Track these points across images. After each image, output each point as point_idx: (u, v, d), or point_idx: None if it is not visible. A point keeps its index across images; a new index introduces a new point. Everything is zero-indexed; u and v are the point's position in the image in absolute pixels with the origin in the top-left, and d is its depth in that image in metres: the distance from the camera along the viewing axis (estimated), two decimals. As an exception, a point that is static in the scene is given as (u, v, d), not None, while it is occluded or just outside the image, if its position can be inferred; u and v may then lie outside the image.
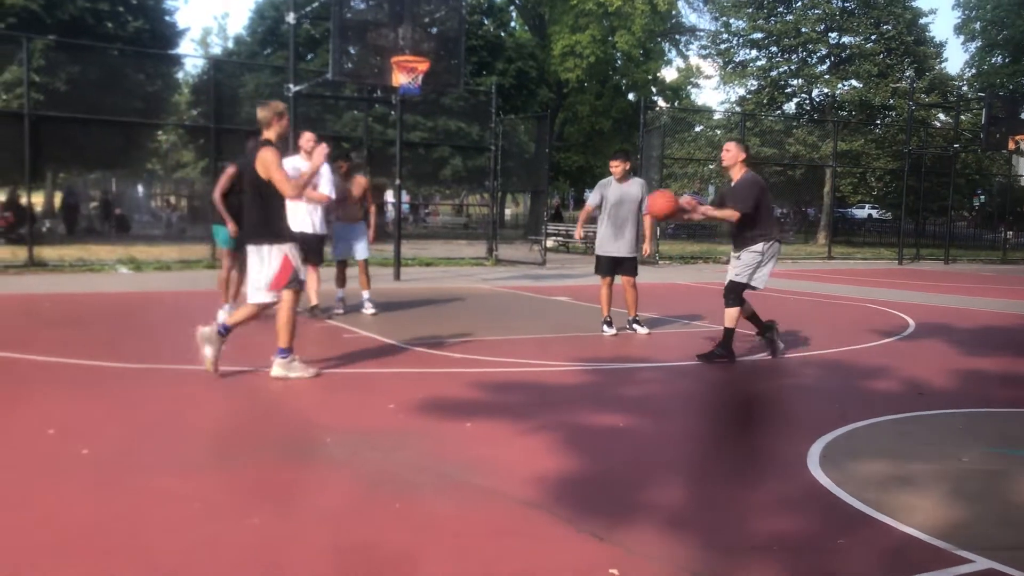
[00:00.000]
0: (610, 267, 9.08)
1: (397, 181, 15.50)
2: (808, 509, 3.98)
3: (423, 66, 11.72)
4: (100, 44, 19.10)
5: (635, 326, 9.17)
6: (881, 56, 34.66)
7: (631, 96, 41.14)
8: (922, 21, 36.35)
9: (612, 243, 9.01)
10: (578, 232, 10.65)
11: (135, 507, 3.76)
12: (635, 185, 9.02)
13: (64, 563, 3.17)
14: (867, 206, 45.63)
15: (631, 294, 9.06)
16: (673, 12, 38.90)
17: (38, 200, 31.91)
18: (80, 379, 6.32)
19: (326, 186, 9.05)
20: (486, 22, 33.76)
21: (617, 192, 8.97)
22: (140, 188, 46.03)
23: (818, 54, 36.14)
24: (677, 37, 44.67)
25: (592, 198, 9.28)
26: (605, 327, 9.07)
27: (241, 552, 3.31)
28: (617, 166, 9.01)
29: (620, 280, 9.09)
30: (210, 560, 3.22)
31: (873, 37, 34.93)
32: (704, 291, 14.59)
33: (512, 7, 40.52)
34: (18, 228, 20.10)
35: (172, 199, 43.02)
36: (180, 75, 29.59)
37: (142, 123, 21.71)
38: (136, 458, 4.45)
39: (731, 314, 7.67)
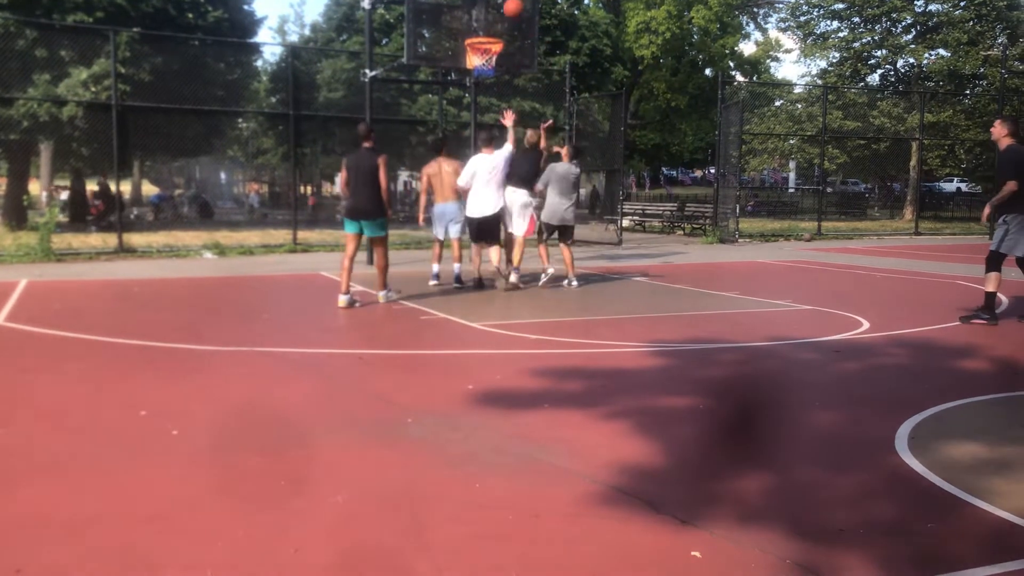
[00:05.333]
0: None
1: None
2: (896, 493, 3.87)
3: (497, 47, 11.69)
4: (182, 35, 19.52)
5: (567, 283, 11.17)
6: (971, 23, 33.26)
7: (708, 71, 40.43)
8: (1015, -15, 34.75)
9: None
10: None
11: (223, 485, 3.87)
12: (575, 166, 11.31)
13: (158, 537, 3.28)
14: (955, 179, 44.06)
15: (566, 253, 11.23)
16: (751, -16, 38.07)
17: (126, 188, 32.97)
18: (169, 361, 6.52)
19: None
20: (559, 1, 33.48)
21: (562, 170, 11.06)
22: (223, 175, 47.18)
23: (903, 23, 34.85)
24: (755, 10, 43.73)
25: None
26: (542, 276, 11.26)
27: (326, 529, 3.38)
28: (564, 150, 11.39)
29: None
30: (297, 536, 3.29)
31: (962, 3, 33.56)
32: (785, 269, 14.30)
33: (585, -16, 40.08)
34: (108, 216, 20.81)
35: (256, 185, 43.92)
36: (259, 63, 30.04)
37: (223, 111, 22.16)
38: (223, 438, 4.58)
39: (989, 279, 8.45)
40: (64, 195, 29.47)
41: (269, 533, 3.34)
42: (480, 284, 10.64)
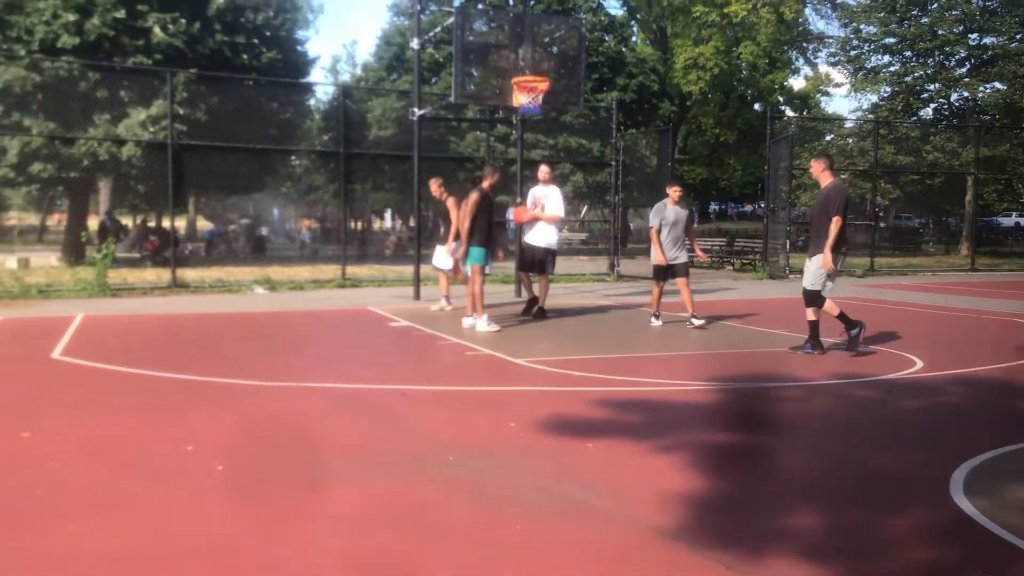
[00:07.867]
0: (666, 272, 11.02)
1: (519, 199, 15.59)
2: (951, 539, 3.75)
3: (543, 85, 11.78)
4: (237, 75, 20.00)
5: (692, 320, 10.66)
6: (1027, 56, 32.77)
7: (757, 106, 40.32)
8: (1072, 17, 34.10)
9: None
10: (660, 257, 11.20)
11: (265, 522, 3.88)
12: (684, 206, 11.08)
13: (201, 573, 3.29)
14: (1014, 214, 43.12)
15: (685, 291, 10.98)
16: (800, 20, 37.94)
17: (180, 224, 33.64)
18: (217, 397, 6.59)
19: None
20: (607, 39, 33.68)
21: (672, 214, 10.93)
22: (275, 211, 48.00)
23: (957, 56, 34.41)
24: (804, 45, 43.52)
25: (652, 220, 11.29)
26: (653, 319, 10.97)
27: (366, 569, 3.36)
28: (676, 191, 11.07)
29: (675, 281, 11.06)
30: (337, 575, 3.28)
31: (1018, 36, 33.06)
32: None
33: (633, 22, 40.35)
34: (163, 251, 21.25)
35: (308, 221, 44.64)
36: (311, 102, 30.59)
37: (276, 149, 22.60)
38: (267, 474, 4.60)
39: (811, 312, 8.63)
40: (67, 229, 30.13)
41: (309, 572, 3.33)
42: (543, 313, 11.38)
